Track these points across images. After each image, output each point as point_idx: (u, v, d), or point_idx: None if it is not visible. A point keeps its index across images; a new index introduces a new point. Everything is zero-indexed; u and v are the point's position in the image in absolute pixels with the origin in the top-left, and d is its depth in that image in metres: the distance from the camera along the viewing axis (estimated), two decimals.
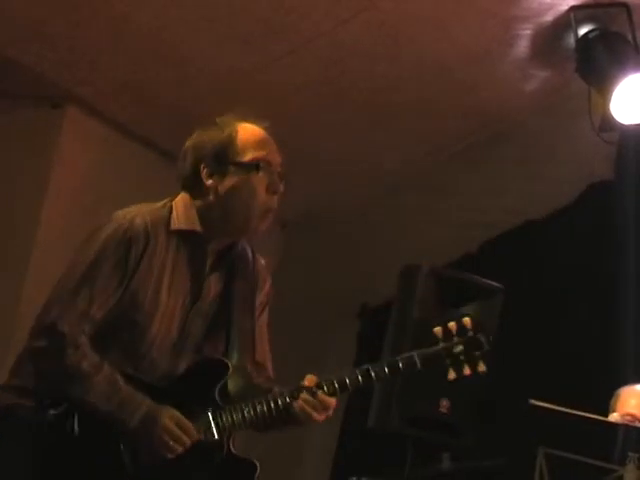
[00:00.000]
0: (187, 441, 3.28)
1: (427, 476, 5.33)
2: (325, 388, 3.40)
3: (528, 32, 5.77)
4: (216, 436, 3.36)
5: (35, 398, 3.27)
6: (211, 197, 3.45)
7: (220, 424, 3.37)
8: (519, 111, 6.32)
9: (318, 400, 3.40)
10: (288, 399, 3.39)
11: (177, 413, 3.30)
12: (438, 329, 3.49)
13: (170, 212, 3.47)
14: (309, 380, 3.43)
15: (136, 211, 3.43)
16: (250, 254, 3.62)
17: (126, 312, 3.35)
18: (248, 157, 3.42)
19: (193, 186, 3.48)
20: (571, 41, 5.68)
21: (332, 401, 3.43)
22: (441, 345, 3.48)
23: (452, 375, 3.51)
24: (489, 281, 5.16)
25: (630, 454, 3.74)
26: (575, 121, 6.03)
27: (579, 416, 3.87)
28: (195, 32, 5.38)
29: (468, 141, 6.52)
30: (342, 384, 3.42)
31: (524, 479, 3.89)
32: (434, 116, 6.26)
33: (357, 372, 3.42)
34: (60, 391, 3.26)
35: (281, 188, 3.47)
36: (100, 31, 5.38)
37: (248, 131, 3.48)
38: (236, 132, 3.46)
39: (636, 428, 4.21)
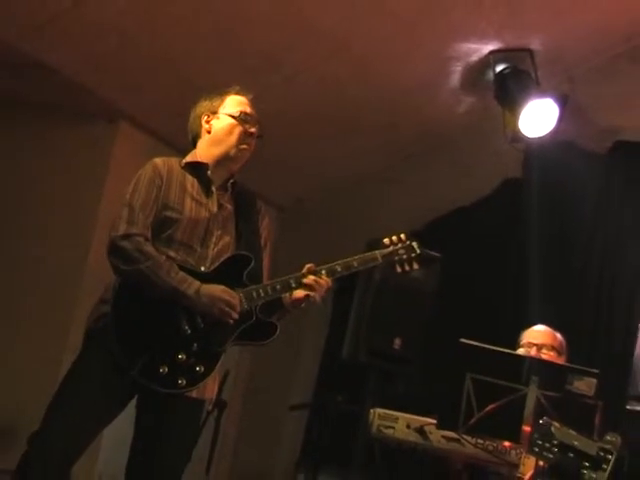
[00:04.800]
0: (238, 307, 3.53)
1: (386, 397, 5.22)
2: (323, 272, 3.66)
3: (459, 68, 6.04)
4: (246, 306, 3.59)
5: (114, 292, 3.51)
6: (206, 136, 3.81)
7: (249, 297, 3.60)
8: (453, 126, 6.51)
9: (319, 281, 3.64)
10: (299, 279, 3.65)
11: (226, 288, 3.55)
12: (387, 240, 3.81)
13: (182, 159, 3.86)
14: (309, 267, 3.68)
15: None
16: (252, 197, 3.88)
17: (161, 213, 3.62)
18: (231, 109, 3.80)
19: (198, 134, 3.85)
20: (491, 76, 6.00)
21: (328, 281, 3.67)
22: (391, 248, 3.81)
23: (399, 269, 3.83)
24: (431, 252, 4.95)
25: (533, 377, 3.89)
26: (493, 134, 6.29)
27: (496, 350, 4.00)
28: (214, 65, 5.49)
29: (416, 147, 6.68)
30: (332, 271, 3.68)
31: (456, 398, 3.95)
32: (392, 129, 6.42)
33: (340, 263, 3.71)
34: (138, 271, 3.45)
35: (255, 131, 3.78)
36: (145, 63, 5.48)
37: (235, 97, 3.87)
38: (227, 95, 3.86)
39: (537, 359, 4.37)
